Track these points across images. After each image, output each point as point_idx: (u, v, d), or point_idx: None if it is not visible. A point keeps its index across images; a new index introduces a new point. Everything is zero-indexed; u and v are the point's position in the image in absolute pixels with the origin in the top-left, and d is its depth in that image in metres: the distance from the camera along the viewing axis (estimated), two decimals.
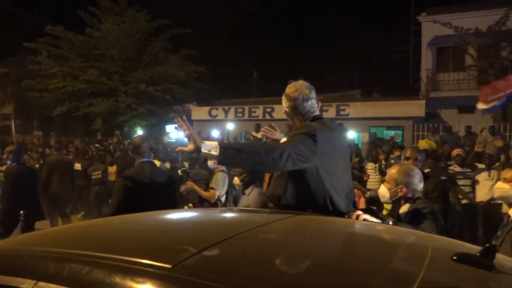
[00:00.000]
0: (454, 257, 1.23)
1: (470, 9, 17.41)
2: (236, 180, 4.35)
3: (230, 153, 1.87)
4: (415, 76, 20.75)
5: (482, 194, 6.86)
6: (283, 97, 2.36)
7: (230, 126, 16.71)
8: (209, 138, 14.87)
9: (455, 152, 7.77)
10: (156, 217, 1.83)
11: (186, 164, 8.14)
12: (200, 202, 5.11)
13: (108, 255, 1.12)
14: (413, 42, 20.99)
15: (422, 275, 1.09)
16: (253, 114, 17.03)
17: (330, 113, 15.36)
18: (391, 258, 1.31)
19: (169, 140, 12.89)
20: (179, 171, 7.43)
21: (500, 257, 1.32)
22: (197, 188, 5.03)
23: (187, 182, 4.89)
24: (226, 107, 17.55)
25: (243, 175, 4.22)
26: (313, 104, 2.32)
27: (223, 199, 4.96)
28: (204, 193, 4.96)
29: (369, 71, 25.30)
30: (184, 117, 1.99)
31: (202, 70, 18.06)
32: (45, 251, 1.25)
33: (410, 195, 2.61)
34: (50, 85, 16.04)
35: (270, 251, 1.30)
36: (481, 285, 1.16)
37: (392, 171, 2.71)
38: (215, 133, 15.44)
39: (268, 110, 16.69)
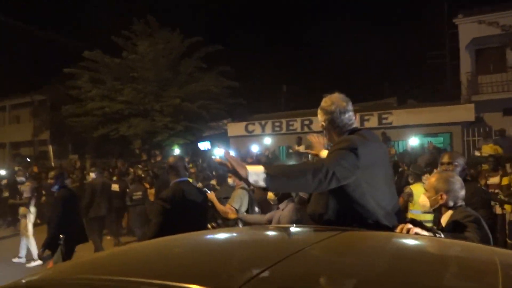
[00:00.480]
0: None
1: (507, 8, 16.77)
2: (270, 195, 4.26)
3: (278, 181, 1.83)
4: (453, 80, 20.13)
5: None
6: (319, 111, 2.32)
7: (268, 140, 16.49)
8: (249, 154, 14.80)
9: None
10: (202, 238, 1.82)
11: (214, 182, 8.02)
12: (223, 222, 5.01)
13: (163, 282, 1.05)
14: (449, 46, 20.44)
15: None
16: (291, 128, 16.74)
17: (372, 122, 14.93)
18: (463, 276, 1.24)
19: (213, 157, 12.77)
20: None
21: None
22: (215, 200, 4.87)
23: (208, 193, 4.73)
24: (263, 122, 17.33)
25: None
26: (350, 117, 2.28)
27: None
28: (220, 207, 4.85)
29: (403, 78, 24.66)
30: (226, 151, 1.94)
31: (236, 85, 17.96)
32: (93, 279, 1.18)
33: (451, 203, 2.56)
34: (89, 107, 16.21)
35: (330, 271, 1.24)
36: None
37: (432, 179, 2.67)
38: (255, 148, 15.24)
39: (306, 122, 16.36)
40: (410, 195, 5.89)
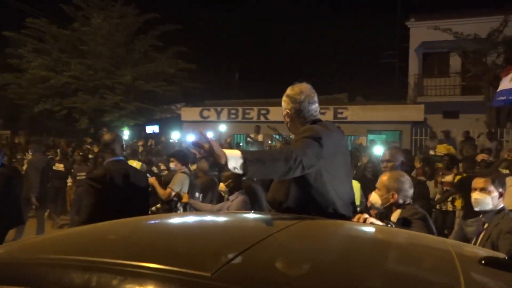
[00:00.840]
0: (482, 261, 1.22)
1: (461, 16, 17.71)
2: (222, 186, 4.26)
3: (254, 167, 1.80)
4: (401, 81, 21.07)
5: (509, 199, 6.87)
6: (285, 99, 2.30)
7: (223, 127, 16.22)
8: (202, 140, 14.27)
9: (480, 157, 7.73)
10: (171, 221, 1.80)
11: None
12: (162, 206, 5.04)
13: (137, 263, 1.01)
14: (400, 47, 21.32)
15: (464, 279, 1.08)
16: (247, 116, 16.60)
17: (328, 116, 15.18)
18: (423, 264, 1.29)
19: (170, 141, 12.31)
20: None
21: None
22: (156, 184, 4.92)
23: (149, 177, 4.77)
24: (219, 108, 17.00)
25: (229, 181, 4.12)
26: (317, 108, 2.31)
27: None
28: (161, 191, 4.89)
29: (353, 75, 25.43)
30: (202, 130, 1.90)
31: (193, 68, 17.44)
32: (64, 259, 1.11)
33: (401, 201, 2.68)
34: (31, 75, 14.85)
35: (298, 257, 1.26)
36: None
37: (383, 178, 2.76)
38: (210, 134, 14.89)
39: (263, 112, 16.32)
40: None
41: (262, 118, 16.14)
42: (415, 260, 1.33)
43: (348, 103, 16.75)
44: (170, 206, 4.88)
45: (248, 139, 12.30)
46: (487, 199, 2.91)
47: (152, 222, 1.77)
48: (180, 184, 4.91)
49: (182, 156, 5.27)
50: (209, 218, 2.04)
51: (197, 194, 5.22)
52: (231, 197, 4.15)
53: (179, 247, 1.27)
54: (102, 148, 3.52)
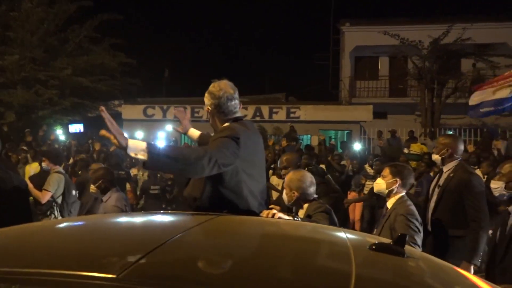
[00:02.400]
0: (373, 247, 1.38)
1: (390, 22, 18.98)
2: (92, 188, 4.18)
3: (159, 159, 1.83)
4: (335, 82, 22.08)
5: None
6: (206, 95, 2.36)
7: (169, 127, 15.37)
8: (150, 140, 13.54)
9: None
10: (72, 224, 1.77)
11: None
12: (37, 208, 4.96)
13: (41, 270, 0.99)
14: (333, 50, 22.29)
15: (355, 264, 1.21)
16: (196, 115, 15.94)
17: (280, 115, 15.31)
18: (321, 253, 1.45)
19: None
20: None
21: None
22: (31, 185, 4.76)
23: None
24: (165, 106, 16.10)
25: (99, 182, 4.07)
26: (236, 105, 2.36)
27: (59, 200, 4.92)
28: (37, 193, 4.83)
29: (286, 75, 25.98)
30: (101, 107, 1.87)
31: (133, 62, 16.24)
32: None
33: (303, 197, 2.98)
34: None
35: (207, 254, 1.29)
36: (402, 270, 1.34)
37: (287, 178, 3.10)
38: (161, 134, 14.05)
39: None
40: None
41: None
42: (312, 249, 1.47)
43: (284, 103, 17.03)
44: (46, 208, 4.84)
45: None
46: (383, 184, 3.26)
47: (50, 227, 1.70)
48: (55, 185, 4.87)
49: (54, 155, 5.19)
50: (116, 219, 1.99)
51: (73, 192, 5.19)
52: (104, 198, 4.05)
53: (82, 250, 1.21)
54: None
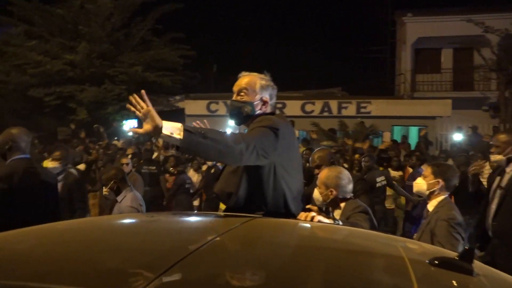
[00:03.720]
0: (435, 262, 1.18)
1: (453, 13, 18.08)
2: (105, 190, 4.05)
3: (195, 139, 1.67)
4: (393, 76, 21.26)
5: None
6: (262, 85, 2.19)
7: (232, 122, 15.01)
8: None
9: None
10: (84, 227, 1.54)
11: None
12: None
13: (48, 285, 0.85)
14: (391, 42, 21.45)
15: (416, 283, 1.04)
16: None
17: (350, 110, 14.68)
18: (374, 266, 1.23)
19: None
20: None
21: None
22: None
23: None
24: (228, 101, 15.66)
25: (111, 182, 3.90)
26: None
27: None
28: None
29: (335, 69, 25.19)
30: (142, 91, 1.71)
31: (194, 55, 15.94)
32: None
33: (340, 197, 2.79)
34: (22, 61, 12.54)
35: (241, 266, 1.12)
36: None
37: (322, 176, 2.87)
38: (228, 131, 13.71)
39: (279, 105, 15.33)
40: None
41: (278, 113, 15.16)
42: (365, 262, 1.26)
43: (341, 98, 16.34)
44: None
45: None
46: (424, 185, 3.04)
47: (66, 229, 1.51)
48: None
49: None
50: (144, 222, 1.78)
51: None
52: (118, 198, 3.88)
53: (93, 264, 1.03)
54: (8, 143, 3.07)
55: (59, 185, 4.27)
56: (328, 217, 2.17)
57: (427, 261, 1.20)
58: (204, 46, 25.63)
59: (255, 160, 1.84)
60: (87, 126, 14.47)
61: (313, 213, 1.96)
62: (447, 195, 3.00)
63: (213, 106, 15.92)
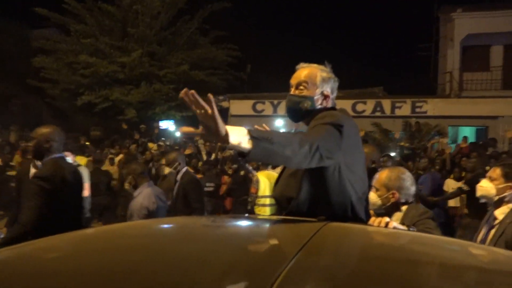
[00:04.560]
0: None
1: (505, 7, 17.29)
2: (126, 185, 4.00)
3: (263, 145, 1.47)
4: (436, 74, 20.48)
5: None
6: (323, 78, 1.99)
7: (280, 123, 14.63)
8: None
9: None
10: (174, 228, 1.50)
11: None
12: None
13: None
14: (435, 40, 20.69)
15: None
16: None
17: (404, 110, 14.11)
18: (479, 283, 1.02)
19: None
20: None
21: None
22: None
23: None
24: (275, 101, 15.32)
25: (129, 177, 3.83)
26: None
27: None
28: None
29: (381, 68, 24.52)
30: (193, 91, 1.39)
31: (239, 55, 15.63)
32: None
33: (403, 200, 2.51)
34: (81, 59, 12.47)
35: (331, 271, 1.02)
36: None
37: (382, 176, 2.58)
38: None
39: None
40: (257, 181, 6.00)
41: (339, 107, 14.65)
42: (469, 279, 1.04)
43: (382, 96, 15.72)
44: None
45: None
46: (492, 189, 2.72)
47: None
48: None
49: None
50: (194, 227, 1.55)
51: None
52: (135, 193, 3.80)
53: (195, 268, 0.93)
54: (44, 142, 3.06)
55: (176, 185, 4.27)
56: (402, 224, 2.07)
57: None
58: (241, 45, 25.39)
59: (319, 162, 1.68)
60: (135, 126, 14.38)
61: (386, 219, 1.80)
62: None
63: (259, 106, 15.56)
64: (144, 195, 3.69)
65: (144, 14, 13.47)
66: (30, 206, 2.77)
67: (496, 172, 2.74)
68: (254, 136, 1.47)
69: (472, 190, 3.57)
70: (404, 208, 2.49)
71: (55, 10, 13.33)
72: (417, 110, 14.10)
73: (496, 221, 2.67)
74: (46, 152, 2.98)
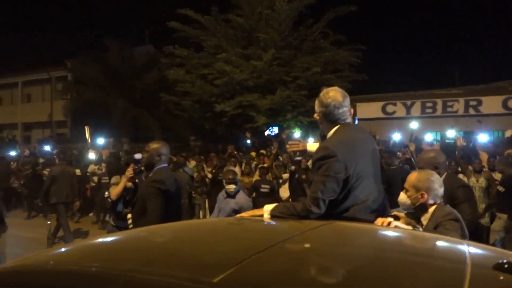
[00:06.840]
0: (496, 267, 1.15)
1: None
2: (230, 187, 4.66)
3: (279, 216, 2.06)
4: None
5: None
6: (316, 102, 2.35)
7: (415, 125, 13.40)
8: (388, 143, 11.81)
9: None
10: (183, 228, 1.87)
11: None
12: None
13: (145, 269, 1.10)
14: None
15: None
16: (449, 109, 13.67)
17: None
18: (433, 268, 1.24)
19: None
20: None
21: None
22: None
23: None
24: (408, 102, 14.17)
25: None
26: (344, 112, 2.30)
27: None
28: None
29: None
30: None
31: (360, 57, 14.73)
32: (79, 269, 1.19)
33: (431, 201, 2.60)
34: (208, 73, 12.49)
35: (313, 263, 1.23)
36: None
37: (411, 178, 2.69)
38: (396, 136, 12.08)
39: (473, 103, 13.35)
40: None
41: (472, 111, 13.19)
42: (425, 265, 1.25)
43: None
44: None
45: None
46: None
47: (175, 230, 1.79)
48: None
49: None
50: (221, 225, 1.96)
51: None
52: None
53: (189, 255, 1.28)
54: (155, 155, 3.54)
55: None
56: (408, 223, 2.31)
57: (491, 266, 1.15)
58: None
59: (324, 205, 2.06)
60: (259, 135, 14.06)
61: (390, 219, 2.05)
62: None
63: (389, 108, 14.51)
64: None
65: (274, 19, 13.16)
66: (153, 204, 3.22)
67: None
68: (272, 215, 2.07)
69: None
70: (431, 209, 2.58)
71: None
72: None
73: None
74: (157, 163, 3.46)
